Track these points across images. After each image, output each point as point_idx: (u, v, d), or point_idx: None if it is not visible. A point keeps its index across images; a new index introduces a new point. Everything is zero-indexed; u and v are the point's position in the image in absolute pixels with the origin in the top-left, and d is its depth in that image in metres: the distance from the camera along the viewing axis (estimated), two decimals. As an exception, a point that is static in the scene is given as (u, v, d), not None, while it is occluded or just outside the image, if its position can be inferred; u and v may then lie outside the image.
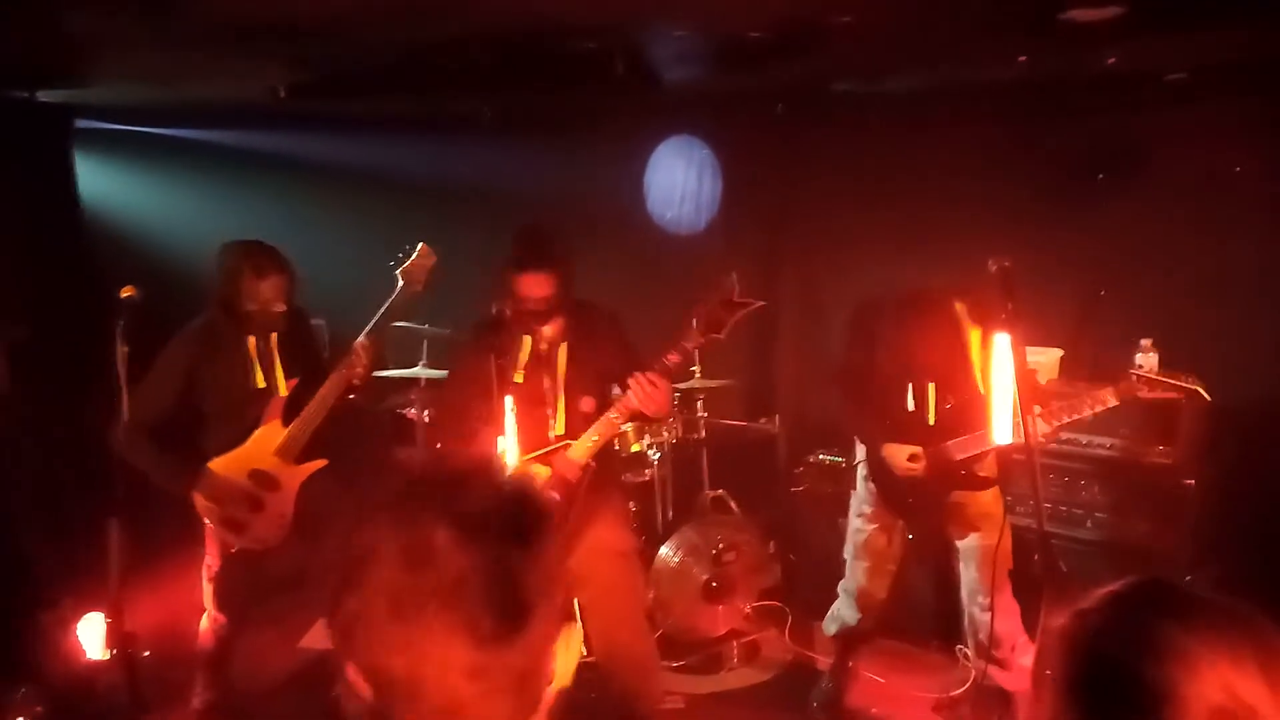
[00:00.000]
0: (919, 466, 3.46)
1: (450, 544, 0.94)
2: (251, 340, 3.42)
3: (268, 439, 3.40)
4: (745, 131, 5.55)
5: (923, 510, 3.58)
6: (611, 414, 3.22)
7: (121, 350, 3.02)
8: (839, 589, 3.91)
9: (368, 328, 3.40)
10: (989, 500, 3.56)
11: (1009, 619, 3.51)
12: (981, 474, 3.52)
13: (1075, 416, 3.27)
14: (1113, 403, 3.24)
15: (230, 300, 3.38)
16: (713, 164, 5.69)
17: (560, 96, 4.99)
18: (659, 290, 4.78)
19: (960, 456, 3.44)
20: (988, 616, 3.48)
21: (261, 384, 3.43)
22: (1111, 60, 3.98)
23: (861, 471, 3.77)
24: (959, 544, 3.63)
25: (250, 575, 3.54)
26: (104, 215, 5.15)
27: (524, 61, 3.98)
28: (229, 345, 3.42)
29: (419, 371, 5.02)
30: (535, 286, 3.21)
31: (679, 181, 5.74)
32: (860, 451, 3.78)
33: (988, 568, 3.41)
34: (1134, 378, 3.23)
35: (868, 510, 3.75)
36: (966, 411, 3.45)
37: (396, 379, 5.13)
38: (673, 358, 3.15)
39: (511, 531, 0.98)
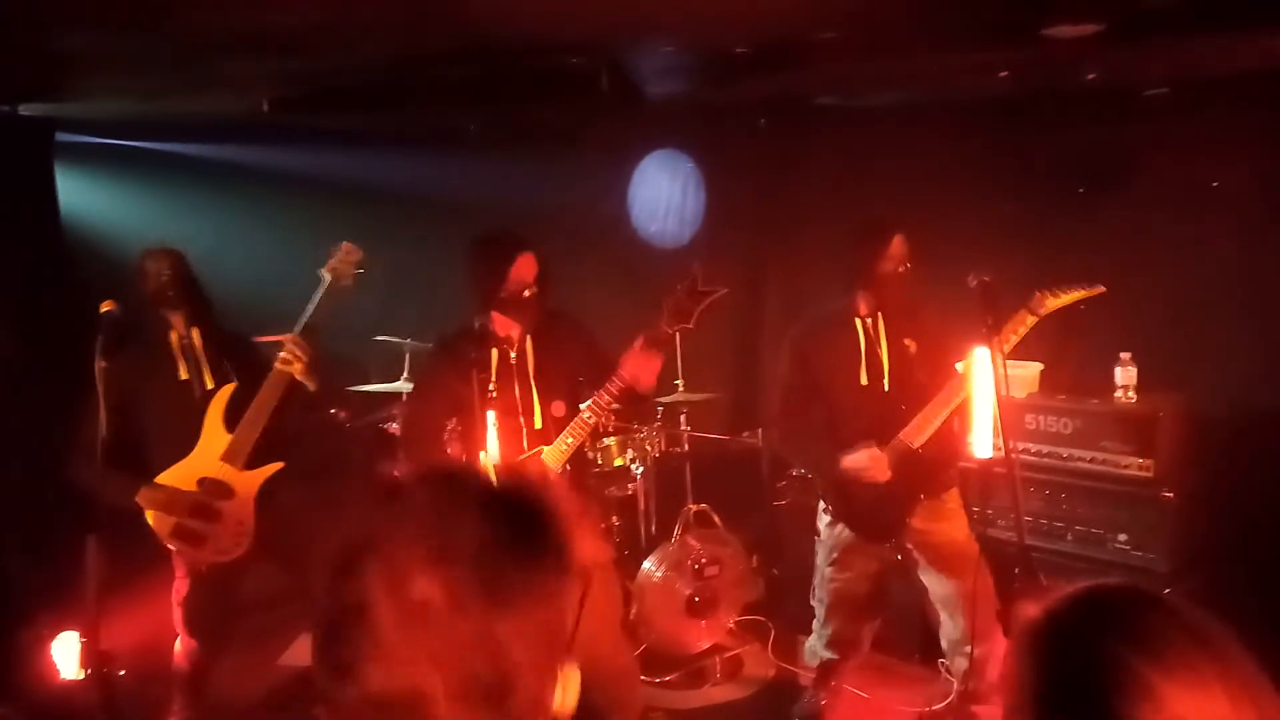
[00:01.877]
0: (883, 462, 3.40)
1: (444, 601, 0.92)
2: (173, 335, 3.45)
3: (212, 446, 3.38)
4: (729, 145, 5.57)
5: (898, 522, 3.53)
6: (585, 415, 3.26)
7: (100, 365, 3.01)
8: (813, 629, 3.87)
9: (297, 325, 3.41)
10: (963, 539, 3.53)
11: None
12: (949, 469, 3.51)
13: (1006, 346, 3.20)
14: (1031, 320, 3.21)
15: (143, 294, 3.41)
16: (697, 177, 5.72)
17: (545, 111, 5.00)
18: (643, 303, 4.77)
19: (918, 443, 3.39)
20: (977, 664, 3.44)
21: (185, 375, 3.43)
22: (1091, 76, 4.02)
23: (825, 518, 3.71)
24: (935, 593, 3.56)
25: (220, 598, 3.52)
26: (85, 229, 5.13)
27: (509, 76, 3.99)
28: (155, 349, 3.44)
29: (402, 386, 5.01)
30: (528, 269, 3.27)
31: (663, 195, 5.76)
32: (822, 500, 3.73)
33: (972, 613, 3.36)
34: (1038, 294, 3.22)
35: (838, 557, 3.67)
36: (907, 395, 3.45)
37: (379, 393, 5.13)
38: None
39: (509, 579, 0.95)
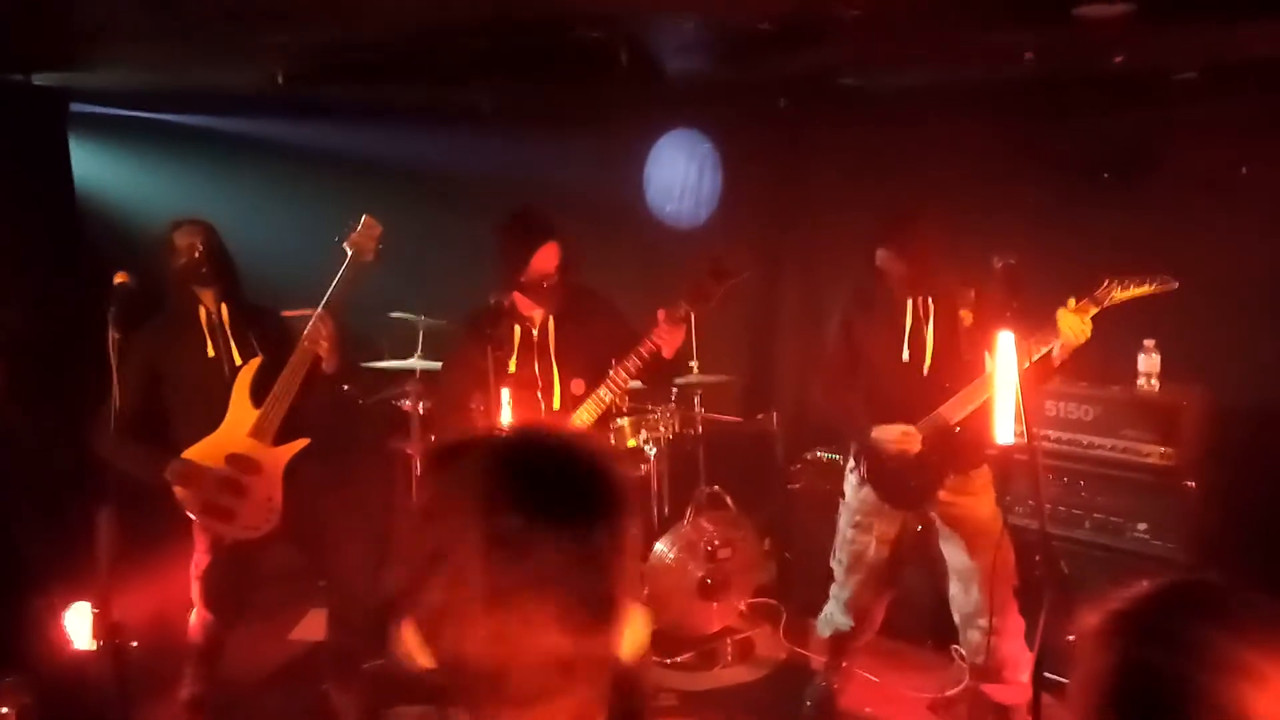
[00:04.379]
0: (913, 440, 3.38)
1: (541, 534, 0.92)
2: (203, 312, 3.42)
3: (240, 421, 3.36)
4: (748, 125, 5.52)
5: (925, 492, 3.50)
6: (601, 392, 3.28)
7: (113, 336, 2.99)
8: (830, 594, 3.86)
9: (323, 300, 3.39)
10: (987, 516, 3.50)
11: (1015, 640, 3.44)
12: (981, 448, 3.46)
13: (1055, 342, 3.16)
14: (1093, 309, 3.15)
15: (169, 270, 3.38)
16: (714, 157, 5.66)
17: (563, 87, 4.95)
18: (659, 284, 4.75)
19: (956, 419, 3.36)
20: (989, 639, 3.41)
21: (213, 353, 3.40)
22: (1119, 59, 3.95)
23: (852, 480, 3.70)
24: (953, 564, 3.54)
25: (239, 573, 3.52)
26: (99, 200, 5.11)
27: (527, 51, 3.94)
28: (183, 324, 3.42)
29: (415, 363, 4.99)
30: (550, 259, 3.28)
31: (680, 175, 5.71)
32: (852, 461, 3.71)
33: (989, 587, 3.35)
34: (1105, 283, 3.16)
35: (860, 519, 3.66)
36: (950, 374, 3.40)
37: (392, 370, 5.11)
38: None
39: (597, 514, 0.96)
